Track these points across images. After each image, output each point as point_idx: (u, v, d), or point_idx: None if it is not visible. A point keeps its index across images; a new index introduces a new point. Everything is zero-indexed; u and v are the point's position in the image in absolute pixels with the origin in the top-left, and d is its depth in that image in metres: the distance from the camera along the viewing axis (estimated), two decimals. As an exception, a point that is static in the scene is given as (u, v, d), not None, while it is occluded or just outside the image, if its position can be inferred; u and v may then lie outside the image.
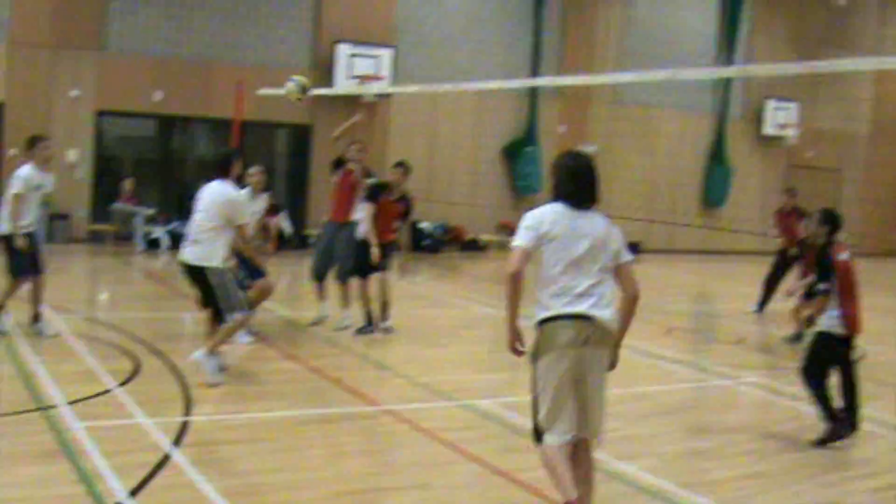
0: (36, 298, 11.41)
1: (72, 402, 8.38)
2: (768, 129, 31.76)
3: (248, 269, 11.59)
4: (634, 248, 27.79)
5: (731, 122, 31.27)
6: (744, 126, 31.81)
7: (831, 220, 8.99)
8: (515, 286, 5.88)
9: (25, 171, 11.29)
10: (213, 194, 9.74)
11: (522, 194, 27.23)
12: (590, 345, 5.87)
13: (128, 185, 22.34)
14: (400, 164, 12.98)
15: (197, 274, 9.69)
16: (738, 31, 30.82)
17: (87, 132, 22.36)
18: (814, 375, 8.74)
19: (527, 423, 6.84)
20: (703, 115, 30.89)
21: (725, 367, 11.98)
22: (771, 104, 31.56)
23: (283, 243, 22.75)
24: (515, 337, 6.04)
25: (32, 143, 11.55)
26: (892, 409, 10.10)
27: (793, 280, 14.68)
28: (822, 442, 8.57)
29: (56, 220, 21.20)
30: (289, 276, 19.65)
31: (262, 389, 9.42)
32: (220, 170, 9.91)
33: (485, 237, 26.85)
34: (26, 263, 11.23)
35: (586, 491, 6.04)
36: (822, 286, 8.70)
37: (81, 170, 22.20)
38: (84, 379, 9.35)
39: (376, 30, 24.93)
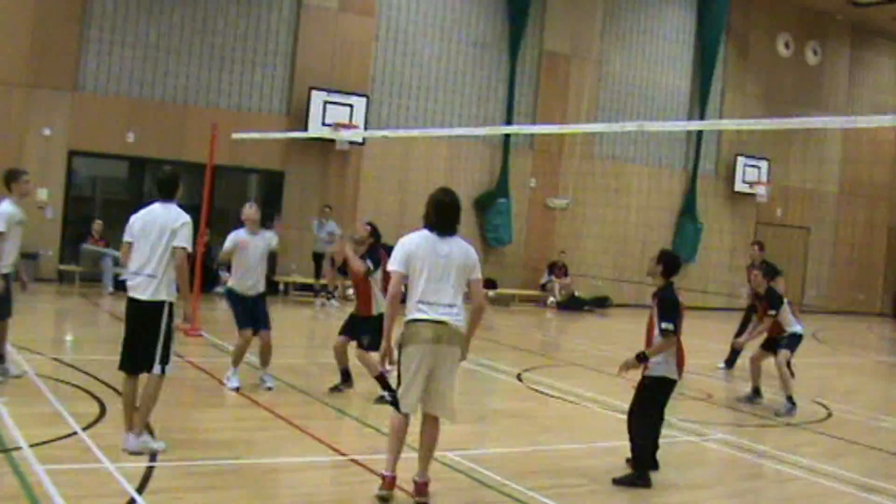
0: (0, 339, 11.09)
1: (35, 445, 8.27)
2: (739, 186, 32.07)
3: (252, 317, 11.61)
4: (604, 302, 28.25)
5: (703, 179, 31.59)
6: (715, 182, 32.13)
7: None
8: (396, 305, 7.61)
9: (6, 206, 10.60)
10: (162, 218, 8.66)
11: (492, 246, 27.37)
12: (443, 343, 7.41)
13: (97, 226, 22.25)
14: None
15: (150, 312, 8.93)
16: (711, 90, 31.19)
17: (59, 172, 22.31)
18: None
19: (494, 476, 6.87)
20: (675, 171, 31.21)
21: (692, 423, 11.97)
22: (742, 161, 31.91)
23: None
24: (389, 351, 7.61)
25: (11, 177, 10.82)
26: (857, 467, 10.12)
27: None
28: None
29: (24, 258, 20.96)
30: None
31: (229, 436, 9.32)
32: (166, 190, 8.81)
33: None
34: (2, 306, 10.83)
35: (427, 452, 7.63)
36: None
37: (51, 209, 22.09)
38: (48, 421, 9.24)
39: (351, 78, 25.09)
